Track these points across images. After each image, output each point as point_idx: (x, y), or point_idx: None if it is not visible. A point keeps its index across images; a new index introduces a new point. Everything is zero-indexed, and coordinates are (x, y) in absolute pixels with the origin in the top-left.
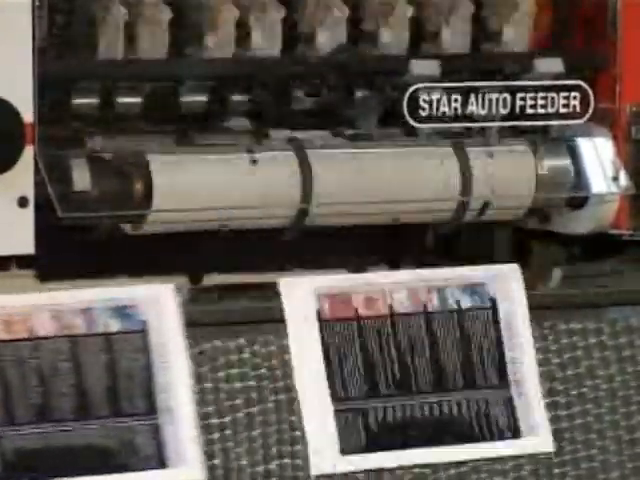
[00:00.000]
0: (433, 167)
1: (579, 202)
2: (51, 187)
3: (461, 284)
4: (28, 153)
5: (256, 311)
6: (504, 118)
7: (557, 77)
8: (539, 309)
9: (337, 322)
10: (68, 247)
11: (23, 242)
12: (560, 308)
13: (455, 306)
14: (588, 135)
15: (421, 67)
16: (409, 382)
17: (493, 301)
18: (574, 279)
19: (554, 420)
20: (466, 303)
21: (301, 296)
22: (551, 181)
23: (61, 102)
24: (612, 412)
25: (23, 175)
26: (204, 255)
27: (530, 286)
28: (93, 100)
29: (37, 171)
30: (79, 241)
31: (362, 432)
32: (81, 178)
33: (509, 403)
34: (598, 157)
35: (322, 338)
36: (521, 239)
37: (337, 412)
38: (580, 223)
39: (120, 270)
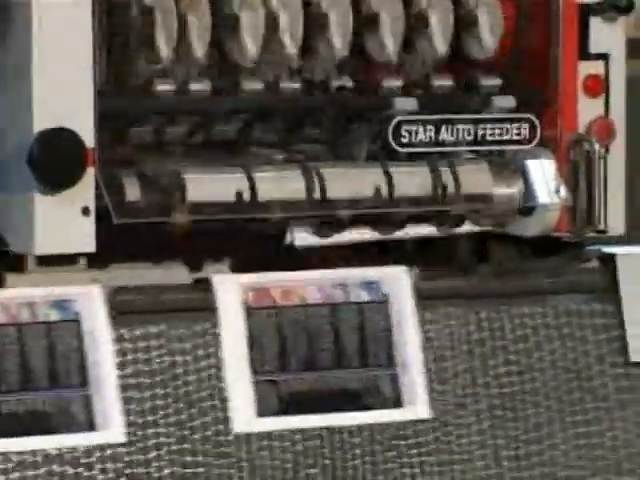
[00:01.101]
0: (412, 182)
1: (528, 211)
2: (108, 199)
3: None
4: (90, 172)
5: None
6: (469, 144)
7: (510, 111)
8: (499, 297)
9: (259, 310)
10: (121, 246)
11: (86, 243)
12: (513, 295)
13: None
14: (535, 157)
15: (403, 103)
16: (316, 360)
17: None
18: (524, 272)
19: (509, 385)
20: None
21: (230, 289)
22: (506, 194)
23: (116, 131)
24: (555, 379)
25: (86, 190)
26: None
27: (488, 278)
28: (142, 130)
29: (97, 187)
30: (128, 241)
31: (276, 400)
32: (132, 191)
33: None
34: (543, 174)
35: (247, 323)
36: (482, 240)
37: (255, 383)
38: (529, 227)
39: (159, 261)
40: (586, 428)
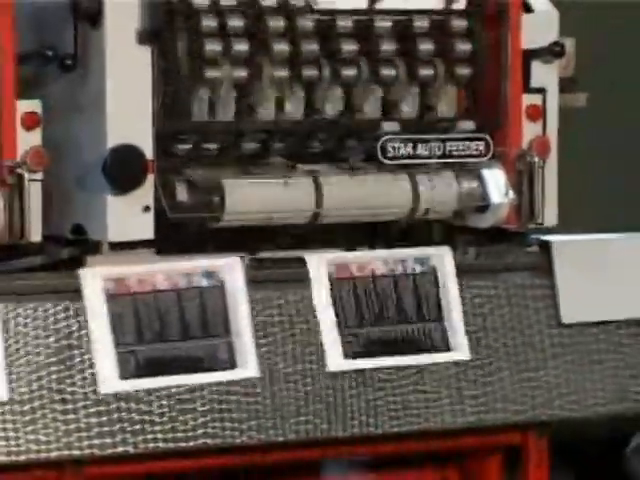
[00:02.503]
0: (395, 186)
1: (484, 208)
2: (163, 199)
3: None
4: (150, 179)
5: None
6: (439, 157)
7: (471, 132)
8: (461, 273)
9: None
10: (174, 236)
11: (147, 232)
12: (472, 272)
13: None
14: (490, 168)
15: (388, 126)
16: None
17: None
18: (481, 255)
19: (469, 340)
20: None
21: (318, 263)
22: (467, 195)
23: (169, 146)
24: (505, 337)
25: (147, 192)
26: (258, 240)
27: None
28: (188, 146)
29: (155, 190)
30: (179, 232)
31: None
32: (181, 193)
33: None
34: (496, 181)
35: (332, 292)
36: (449, 230)
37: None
38: (485, 221)
39: (204, 250)
40: (527, 374)
